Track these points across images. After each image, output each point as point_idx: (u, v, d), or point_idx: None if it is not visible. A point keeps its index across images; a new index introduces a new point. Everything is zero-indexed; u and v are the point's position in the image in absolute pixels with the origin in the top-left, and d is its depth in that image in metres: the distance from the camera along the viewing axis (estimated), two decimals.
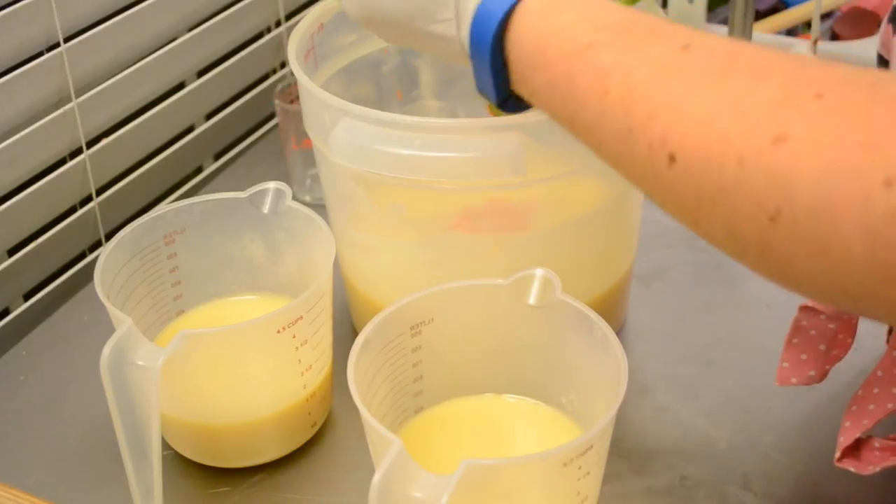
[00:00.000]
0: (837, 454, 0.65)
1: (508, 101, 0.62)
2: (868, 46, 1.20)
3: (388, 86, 0.87)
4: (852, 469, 0.65)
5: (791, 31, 1.32)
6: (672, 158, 0.50)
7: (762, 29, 1.27)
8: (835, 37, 1.32)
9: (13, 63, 0.85)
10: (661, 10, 0.77)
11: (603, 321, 0.64)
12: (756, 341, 0.81)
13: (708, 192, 0.48)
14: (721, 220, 0.49)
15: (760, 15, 1.31)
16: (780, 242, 0.46)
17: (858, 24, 1.31)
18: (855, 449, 0.65)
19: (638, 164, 0.52)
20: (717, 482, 0.70)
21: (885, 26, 0.72)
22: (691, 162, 0.49)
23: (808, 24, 1.26)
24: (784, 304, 0.83)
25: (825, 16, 1.32)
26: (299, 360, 0.70)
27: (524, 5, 0.58)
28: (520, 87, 0.60)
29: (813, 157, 0.44)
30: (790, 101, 0.46)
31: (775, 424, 0.74)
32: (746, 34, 1.05)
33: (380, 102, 0.87)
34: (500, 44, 0.59)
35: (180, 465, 0.73)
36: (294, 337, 0.69)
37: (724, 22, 1.11)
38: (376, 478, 0.53)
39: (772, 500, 0.69)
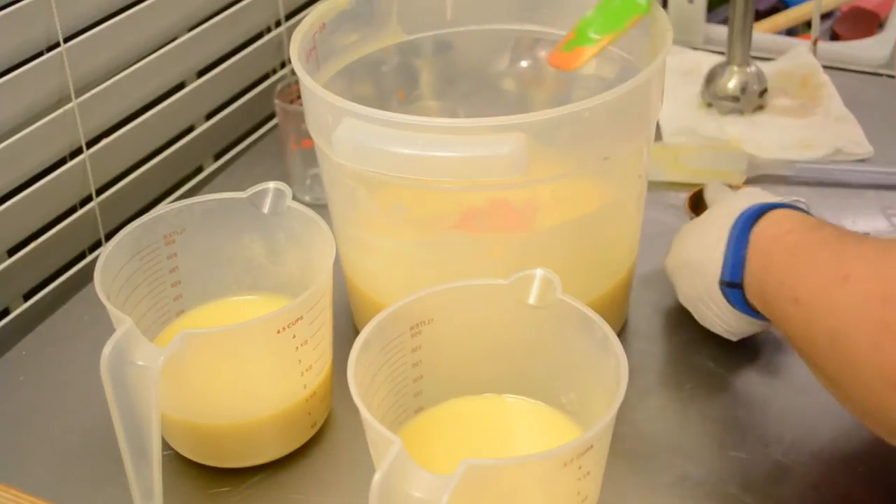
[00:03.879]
0: None
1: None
2: (868, 46, 1.21)
3: (389, 85, 0.87)
4: None
5: (791, 31, 1.32)
6: None
7: (762, 29, 1.27)
8: (835, 37, 1.32)
9: (13, 63, 0.85)
10: (662, 11, 0.77)
11: (603, 321, 0.64)
12: (756, 341, 0.81)
13: None
14: None
15: (760, 15, 1.31)
16: None
17: (858, 24, 1.31)
18: None
19: None
20: (717, 482, 0.70)
21: None
22: None
23: (808, 24, 1.27)
24: None
25: (825, 16, 1.32)
26: (299, 360, 0.70)
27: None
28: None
29: None
30: None
31: (775, 424, 0.74)
32: (746, 34, 1.05)
33: (381, 102, 0.87)
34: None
35: (180, 465, 0.73)
36: (294, 337, 0.69)
37: (724, 22, 1.11)
38: (376, 478, 0.53)
39: (772, 499, 0.69)
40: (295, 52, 0.75)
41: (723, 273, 0.72)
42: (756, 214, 0.72)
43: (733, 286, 0.72)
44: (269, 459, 0.73)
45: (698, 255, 0.75)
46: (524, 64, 0.89)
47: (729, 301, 0.73)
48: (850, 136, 1.02)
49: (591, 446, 0.58)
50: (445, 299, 0.67)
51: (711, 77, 1.08)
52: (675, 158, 0.98)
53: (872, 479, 0.69)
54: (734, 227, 0.72)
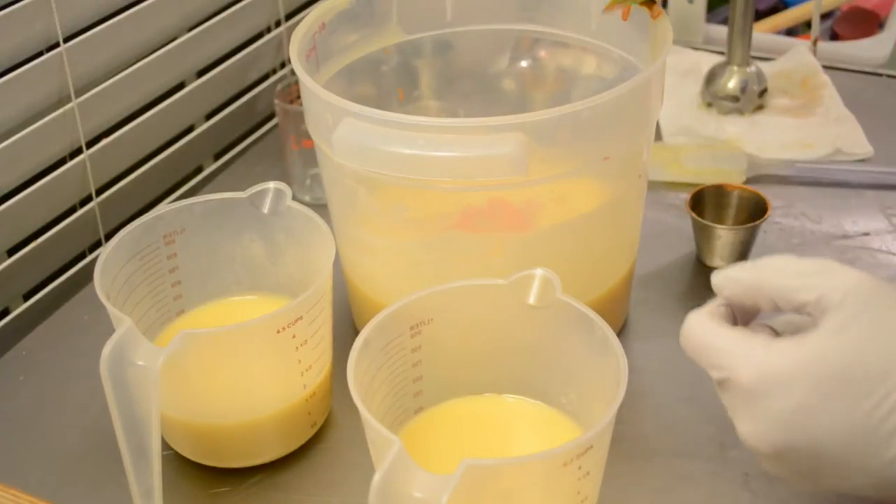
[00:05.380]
0: None
1: None
2: (868, 46, 1.21)
3: (389, 85, 0.87)
4: None
5: (791, 31, 1.32)
6: None
7: (762, 29, 1.27)
8: (835, 37, 1.33)
9: (13, 63, 0.85)
10: (662, 10, 0.77)
11: (603, 321, 0.64)
12: None
13: None
14: None
15: (760, 15, 1.31)
16: None
17: (858, 24, 1.31)
18: None
19: None
20: (718, 482, 0.70)
21: None
22: None
23: (808, 24, 1.27)
24: None
25: (825, 16, 1.32)
26: (299, 360, 0.70)
27: None
28: None
29: None
30: None
31: None
32: (746, 34, 1.05)
33: (381, 102, 0.87)
34: None
35: (180, 465, 0.73)
36: (294, 337, 0.69)
37: (724, 22, 1.11)
38: (376, 478, 0.53)
39: (772, 500, 0.69)
40: (295, 52, 0.75)
41: None
42: None
43: None
44: (269, 459, 0.73)
45: (858, 463, 0.57)
46: (524, 64, 0.89)
47: None
48: (850, 136, 1.02)
49: (591, 446, 0.58)
50: (445, 299, 0.67)
51: (711, 77, 1.08)
52: (675, 158, 0.98)
53: None
54: None
